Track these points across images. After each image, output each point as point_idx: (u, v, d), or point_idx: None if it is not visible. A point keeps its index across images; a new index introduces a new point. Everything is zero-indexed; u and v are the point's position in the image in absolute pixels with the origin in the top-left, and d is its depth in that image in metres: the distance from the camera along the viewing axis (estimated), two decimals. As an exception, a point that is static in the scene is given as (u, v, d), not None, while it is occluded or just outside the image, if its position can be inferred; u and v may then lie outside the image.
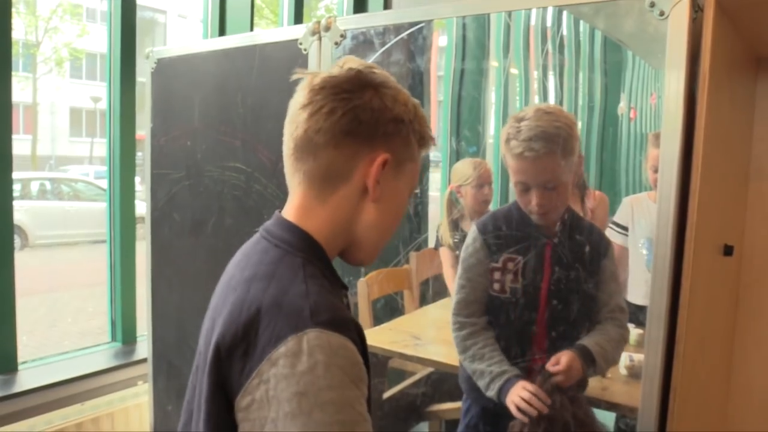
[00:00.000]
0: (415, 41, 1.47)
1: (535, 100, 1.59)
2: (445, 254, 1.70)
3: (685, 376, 1.10)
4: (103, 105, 14.45)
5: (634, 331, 1.49)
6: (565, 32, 1.48)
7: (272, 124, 1.57)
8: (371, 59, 1.44)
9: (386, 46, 1.44)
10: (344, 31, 1.43)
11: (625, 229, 1.44)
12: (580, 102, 1.51)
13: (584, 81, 1.49)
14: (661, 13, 1.06)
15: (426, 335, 1.72)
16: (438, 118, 1.77)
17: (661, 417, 1.10)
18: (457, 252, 1.52)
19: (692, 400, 1.21)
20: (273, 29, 2.65)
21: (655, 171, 1.16)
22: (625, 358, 1.42)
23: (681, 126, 1.05)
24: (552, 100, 1.55)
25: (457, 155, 1.72)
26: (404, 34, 1.42)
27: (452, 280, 1.52)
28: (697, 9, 1.05)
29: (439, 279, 1.72)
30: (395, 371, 1.81)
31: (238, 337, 0.71)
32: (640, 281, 1.35)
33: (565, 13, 1.47)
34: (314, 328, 0.67)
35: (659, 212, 1.08)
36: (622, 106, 1.41)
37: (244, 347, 0.70)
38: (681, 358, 1.08)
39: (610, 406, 1.39)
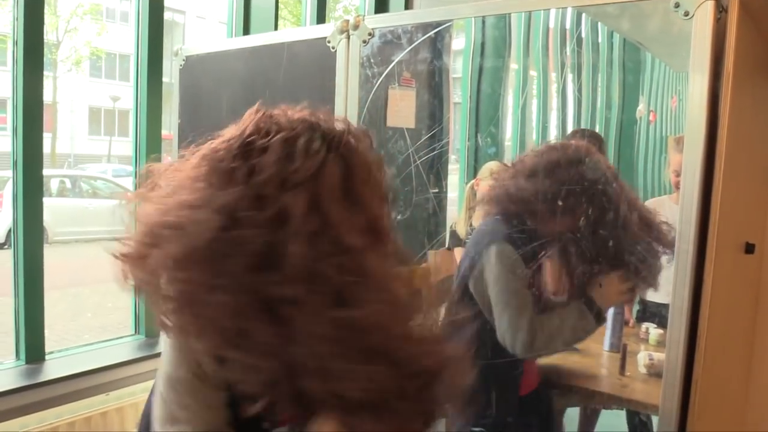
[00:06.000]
0: (442, 40, 1.49)
1: (554, 102, 1.60)
2: (460, 254, 1.70)
3: (705, 374, 1.11)
4: (121, 104, 14.64)
5: (654, 332, 1.51)
6: (584, 35, 1.49)
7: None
8: (398, 57, 1.47)
9: (414, 45, 1.47)
10: (372, 29, 1.46)
11: None
12: (599, 105, 1.52)
13: (603, 84, 1.49)
14: (686, 14, 1.07)
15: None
16: (455, 119, 1.79)
17: (681, 414, 1.12)
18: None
19: (712, 398, 1.22)
20: (300, 28, 2.69)
21: (678, 175, 1.17)
22: (644, 357, 1.43)
23: (705, 126, 1.07)
24: (570, 102, 1.56)
25: (475, 155, 1.73)
26: (432, 33, 1.45)
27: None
28: (721, 9, 1.06)
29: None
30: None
31: None
32: (662, 280, 1.36)
33: (584, 16, 1.48)
34: None
35: (682, 209, 1.09)
36: (641, 108, 1.42)
37: None
38: (702, 354, 1.09)
39: (630, 403, 1.40)
